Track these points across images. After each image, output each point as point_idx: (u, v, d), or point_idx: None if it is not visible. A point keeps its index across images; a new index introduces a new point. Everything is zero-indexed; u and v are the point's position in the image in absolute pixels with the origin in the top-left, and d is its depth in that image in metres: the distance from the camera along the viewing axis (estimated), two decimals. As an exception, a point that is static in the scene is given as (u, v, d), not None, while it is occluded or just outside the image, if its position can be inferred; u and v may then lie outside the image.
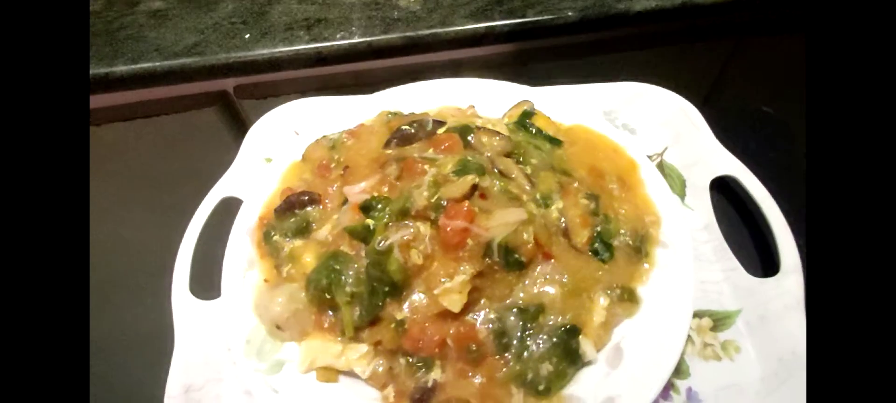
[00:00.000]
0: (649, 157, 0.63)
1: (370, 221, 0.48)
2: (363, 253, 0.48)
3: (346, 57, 0.80)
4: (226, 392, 0.53)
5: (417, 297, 0.46)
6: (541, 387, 0.45)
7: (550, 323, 0.46)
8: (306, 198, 0.55)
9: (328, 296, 0.48)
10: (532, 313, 0.46)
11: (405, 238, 0.45)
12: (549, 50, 0.85)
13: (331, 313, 0.50)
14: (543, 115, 0.63)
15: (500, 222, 0.46)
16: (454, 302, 0.45)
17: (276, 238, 0.54)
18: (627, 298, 0.50)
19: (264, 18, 0.83)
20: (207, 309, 0.57)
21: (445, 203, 0.46)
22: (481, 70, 0.70)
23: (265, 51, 0.79)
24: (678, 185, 0.64)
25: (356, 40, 0.79)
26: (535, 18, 0.80)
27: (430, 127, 0.56)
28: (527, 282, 0.47)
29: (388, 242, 0.46)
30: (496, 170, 0.52)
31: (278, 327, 0.50)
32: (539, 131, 0.61)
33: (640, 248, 0.53)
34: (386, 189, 0.50)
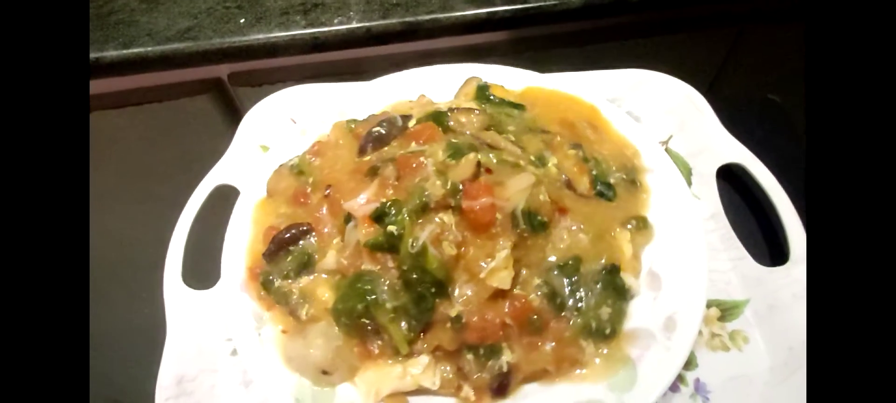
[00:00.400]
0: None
1: (392, 228, 0.44)
2: (391, 264, 0.45)
3: (343, 42, 0.78)
4: (221, 382, 0.52)
5: (464, 288, 0.45)
6: (607, 331, 0.46)
7: (591, 269, 0.47)
8: (297, 231, 0.50)
9: (367, 321, 0.45)
10: (572, 266, 0.47)
11: (435, 232, 0.44)
12: (551, 37, 0.83)
13: (376, 337, 0.46)
14: (497, 85, 0.63)
15: (516, 189, 0.45)
16: (504, 279, 0.44)
17: (278, 283, 0.49)
18: (643, 226, 0.52)
19: (259, 2, 0.81)
20: (201, 299, 0.55)
21: (461, 187, 0.45)
22: (483, 57, 0.69)
23: (260, 36, 0.77)
24: (684, 174, 0.63)
25: (354, 25, 0.77)
26: (538, 4, 0.78)
27: (400, 123, 0.54)
28: (554, 241, 0.48)
29: (420, 241, 0.43)
30: (485, 145, 0.51)
31: (325, 372, 0.46)
32: (502, 100, 0.61)
33: (635, 180, 0.55)
34: (390, 192, 0.47)
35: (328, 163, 0.54)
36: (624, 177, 0.55)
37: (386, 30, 0.78)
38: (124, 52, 0.76)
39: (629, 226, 0.51)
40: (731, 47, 0.84)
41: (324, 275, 0.49)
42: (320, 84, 0.72)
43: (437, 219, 0.44)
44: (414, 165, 0.48)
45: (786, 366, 0.49)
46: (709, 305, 0.54)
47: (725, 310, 0.54)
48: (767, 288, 0.53)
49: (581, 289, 0.46)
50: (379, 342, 0.46)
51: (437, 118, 0.54)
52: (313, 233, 0.50)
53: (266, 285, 0.49)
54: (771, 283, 0.54)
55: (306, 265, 0.49)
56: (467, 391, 0.45)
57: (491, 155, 0.48)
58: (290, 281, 0.49)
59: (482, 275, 0.44)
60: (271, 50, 0.78)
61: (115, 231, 0.64)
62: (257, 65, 0.80)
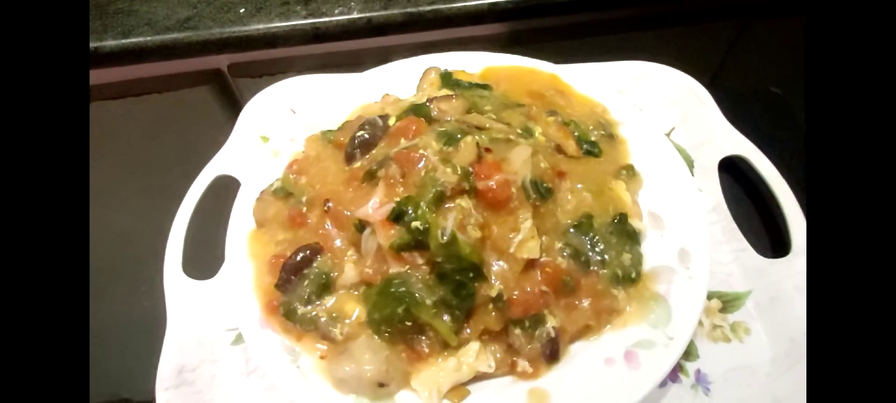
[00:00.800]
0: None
1: (416, 224, 0.44)
2: (420, 261, 0.44)
3: (344, 33, 0.78)
4: (222, 372, 0.51)
5: (497, 266, 0.45)
6: (632, 275, 0.49)
7: (602, 222, 0.50)
8: (307, 253, 0.48)
9: (409, 323, 0.45)
10: (586, 224, 0.49)
11: (459, 218, 0.44)
12: (553, 29, 0.83)
13: (420, 337, 0.46)
14: (459, 71, 0.63)
15: (520, 162, 0.47)
16: (533, 249, 0.45)
17: (301, 311, 0.47)
18: (632, 173, 0.55)
19: (259, -7, 0.80)
20: (201, 289, 0.55)
21: (471, 170, 0.45)
22: (484, 49, 0.68)
23: (260, 26, 0.76)
24: (686, 165, 0.63)
25: (355, 16, 0.77)
26: (540, -5, 0.78)
27: (380, 123, 0.53)
28: (562, 204, 0.50)
29: (448, 230, 0.43)
30: (473, 127, 0.51)
31: (381, 384, 0.45)
32: (470, 84, 0.61)
33: (611, 134, 0.58)
34: (401, 189, 0.46)
35: (316, 179, 0.53)
36: (602, 132, 0.58)
37: (387, 20, 0.77)
38: (123, 41, 0.76)
39: (621, 176, 0.54)
40: (734, 40, 0.83)
41: (347, 291, 0.48)
42: (320, 75, 0.71)
43: (454, 206, 0.44)
44: (415, 159, 0.47)
45: (787, 357, 0.49)
46: (710, 297, 0.54)
47: (727, 302, 0.54)
48: (769, 279, 0.53)
49: (600, 243, 0.49)
50: (425, 340, 0.46)
51: (418, 110, 0.53)
52: (323, 252, 0.48)
53: (289, 315, 0.47)
54: (773, 275, 0.54)
55: (325, 285, 0.47)
56: (523, 364, 0.46)
57: (483, 135, 0.49)
58: (312, 305, 0.47)
59: (512, 250, 0.45)
60: (271, 40, 0.77)
61: (115, 222, 0.64)
62: (257, 56, 0.80)
